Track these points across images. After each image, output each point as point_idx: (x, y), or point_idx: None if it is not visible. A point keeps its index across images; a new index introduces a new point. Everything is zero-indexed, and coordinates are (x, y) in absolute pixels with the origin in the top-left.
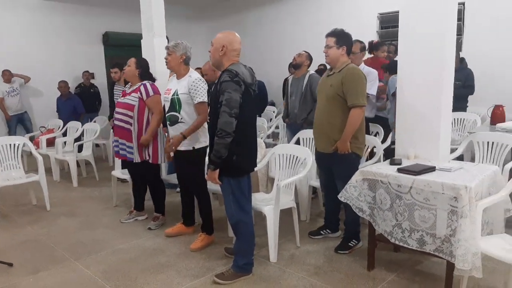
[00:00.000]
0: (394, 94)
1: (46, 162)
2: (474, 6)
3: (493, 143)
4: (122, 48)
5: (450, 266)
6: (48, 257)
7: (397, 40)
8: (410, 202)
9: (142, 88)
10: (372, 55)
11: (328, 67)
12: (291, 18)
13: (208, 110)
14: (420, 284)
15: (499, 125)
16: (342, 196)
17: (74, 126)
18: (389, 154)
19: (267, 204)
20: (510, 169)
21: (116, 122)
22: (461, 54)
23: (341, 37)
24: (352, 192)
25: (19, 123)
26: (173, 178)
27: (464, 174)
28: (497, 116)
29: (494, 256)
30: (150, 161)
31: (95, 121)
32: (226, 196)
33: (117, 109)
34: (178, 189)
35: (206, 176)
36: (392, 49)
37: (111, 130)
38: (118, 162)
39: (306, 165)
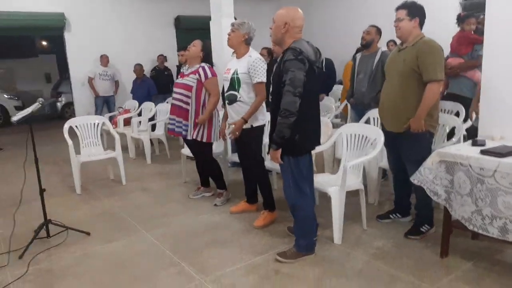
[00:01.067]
0: None
1: (123, 141)
2: None
3: None
4: (193, 32)
5: None
6: (122, 228)
7: (483, 13)
8: (494, 187)
9: (201, 70)
10: (459, 29)
11: (399, 42)
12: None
13: (271, 88)
14: (499, 274)
15: None
16: (415, 179)
17: (148, 107)
18: (471, 135)
19: (333, 185)
20: None
21: (174, 102)
22: None
23: (412, 9)
24: (427, 175)
25: (106, 103)
26: (233, 157)
27: None
28: None
29: None
30: (205, 140)
31: (167, 102)
32: (285, 175)
33: (175, 89)
34: None
35: (267, 155)
36: (483, 20)
37: None
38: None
39: (377, 145)
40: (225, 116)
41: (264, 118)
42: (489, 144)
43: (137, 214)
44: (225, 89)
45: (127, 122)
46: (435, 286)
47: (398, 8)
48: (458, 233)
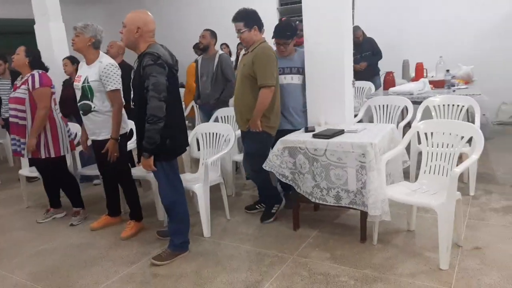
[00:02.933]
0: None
1: None
2: None
3: (387, 105)
4: (10, 36)
5: (364, 215)
6: None
7: (296, 16)
8: (326, 163)
9: (30, 79)
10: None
11: None
12: (194, 3)
13: (132, 95)
14: (340, 235)
15: (391, 89)
16: (266, 166)
17: None
18: None
19: (196, 183)
20: (403, 127)
21: (10, 119)
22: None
23: (247, 19)
24: (275, 161)
25: None
26: (87, 171)
27: (368, 134)
28: (388, 81)
29: (398, 200)
30: (53, 155)
31: None
32: (160, 179)
33: (10, 105)
34: (95, 181)
35: (138, 164)
36: (300, 26)
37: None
38: (25, 160)
39: (230, 141)
40: (83, 130)
41: (126, 126)
42: (318, 129)
43: None
44: (78, 99)
45: None
46: (294, 254)
47: (234, 21)
48: (304, 207)
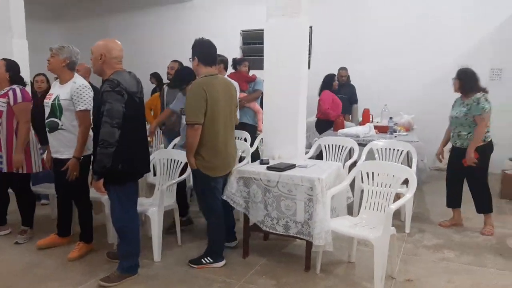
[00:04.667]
0: None
1: None
2: (318, 29)
3: (336, 145)
4: None
5: (309, 245)
6: None
7: (258, 56)
8: (277, 194)
9: (10, 93)
10: (236, 70)
11: None
12: (158, 26)
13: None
14: (286, 263)
15: (340, 131)
16: (224, 195)
17: None
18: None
19: (151, 207)
20: (349, 165)
21: None
22: (310, 71)
23: (193, 48)
24: (231, 190)
25: None
26: (38, 189)
27: (317, 169)
28: (338, 124)
29: (340, 231)
30: (25, 171)
31: None
32: (112, 202)
33: None
34: (43, 201)
35: (91, 185)
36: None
37: None
38: None
39: (188, 168)
40: (48, 147)
41: (90, 147)
42: (272, 162)
43: None
44: (46, 116)
45: None
46: (242, 280)
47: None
48: (254, 236)
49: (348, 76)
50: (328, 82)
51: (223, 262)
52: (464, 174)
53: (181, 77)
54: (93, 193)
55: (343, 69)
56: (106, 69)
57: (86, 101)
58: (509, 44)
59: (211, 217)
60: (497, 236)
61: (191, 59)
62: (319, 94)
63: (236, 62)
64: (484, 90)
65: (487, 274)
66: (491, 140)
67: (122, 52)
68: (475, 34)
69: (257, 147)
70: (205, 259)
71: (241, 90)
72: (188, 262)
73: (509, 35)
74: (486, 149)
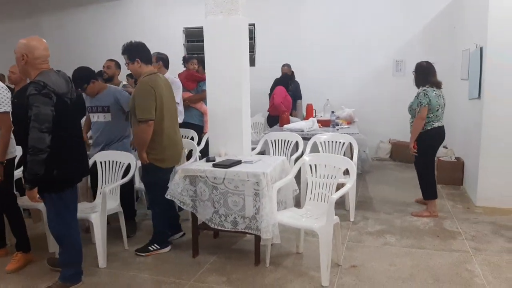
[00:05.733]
0: None
1: None
2: (262, 27)
3: (282, 140)
4: None
5: (258, 239)
6: None
7: (202, 53)
8: (224, 191)
9: None
10: (185, 68)
11: None
12: (96, 24)
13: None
14: (236, 259)
15: (285, 126)
16: (168, 194)
17: None
18: (204, 155)
19: (93, 212)
20: (295, 159)
21: None
22: (255, 68)
23: (130, 52)
24: (176, 189)
25: None
26: None
27: (262, 164)
28: (283, 119)
29: (286, 223)
30: None
31: None
32: (48, 210)
33: None
34: None
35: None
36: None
37: None
38: None
39: (131, 169)
40: None
41: (14, 150)
42: (218, 159)
43: None
44: None
45: None
46: (192, 280)
47: (122, 53)
48: (204, 235)
49: (293, 73)
50: (284, 80)
51: (169, 248)
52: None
53: (81, 77)
54: (29, 201)
55: (286, 65)
56: (30, 70)
57: (4, 103)
58: (441, 38)
59: (157, 207)
60: (435, 219)
61: (129, 63)
62: (271, 90)
63: (184, 60)
64: (435, 84)
65: (426, 255)
66: (431, 129)
67: (46, 51)
68: (407, 31)
69: (206, 145)
70: (152, 246)
71: (187, 90)
72: (135, 252)
73: (440, 30)
74: (424, 138)
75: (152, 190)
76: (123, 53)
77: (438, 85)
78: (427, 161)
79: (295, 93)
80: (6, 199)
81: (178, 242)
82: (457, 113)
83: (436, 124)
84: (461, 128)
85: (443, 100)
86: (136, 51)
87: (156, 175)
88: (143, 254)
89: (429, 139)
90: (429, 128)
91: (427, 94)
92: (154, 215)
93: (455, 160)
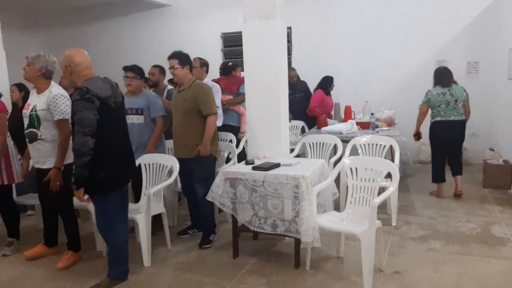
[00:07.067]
0: None
1: None
2: (298, 30)
3: (320, 143)
4: None
5: (297, 242)
6: None
7: (240, 58)
8: (264, 193)
9: None
10: (228, 75)
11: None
12: (133, 34)
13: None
14: (276, 262)
15: (323, 128)
16: (209, 196)
17: None
18: (240, 158)
19: (138, 212)
20: (334, 162)
21: None
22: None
23: (182, 58)
24: (217, 191)
25: None
26: (23, 200)
27: (301, 167)
28: (321, 122)
29: (327, 227)
30: (5, 182)
31: None
32: (96, 210)
33: None
34: (29, 212)
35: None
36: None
37: None
38: None
39: (173, 172)
40: (27, 155)
41: (71, 156)
42: (257, 162)
43: None
44: (25, 126)
45: None
46: (233, 281)
47: (170, 58)
48: (243, 237)
49: (298, 76)
50: (323, 84)
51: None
52: None
53: (140, 69)
54: (78, 202)
55: (291, 70)
56: (76, 79)
57: (63, 110)
58: (484, 37)
59: (207, 196)
60: (482, 224)
61: (178, 68)
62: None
63: (231, 68)
64: (442, 83)
65: (473, 262)
66: (433, 122)
67: (86, 57)
68: (448, 30)
69: (243, 148)
70: (210, 236)
71: (231, 93)
72: (199, 247)
73: (483, 29)
74: (429, 130)
75: (209, 182)
76: (175, 57)
77: (444, 84)
78: (432, 149)
79: (306, 93)
80: (64, 203)
81: (218, 244)
82: (504, 114)
83: (438, 119)
84: (508, 130)
85: (451, 97)
86: (187, 58)
87: (214, 166)
88: (208, 246)
89: (430, 131)
90: (432, 121)
91: (427, 94)
92: (206, 207)
93: (503, 163)
